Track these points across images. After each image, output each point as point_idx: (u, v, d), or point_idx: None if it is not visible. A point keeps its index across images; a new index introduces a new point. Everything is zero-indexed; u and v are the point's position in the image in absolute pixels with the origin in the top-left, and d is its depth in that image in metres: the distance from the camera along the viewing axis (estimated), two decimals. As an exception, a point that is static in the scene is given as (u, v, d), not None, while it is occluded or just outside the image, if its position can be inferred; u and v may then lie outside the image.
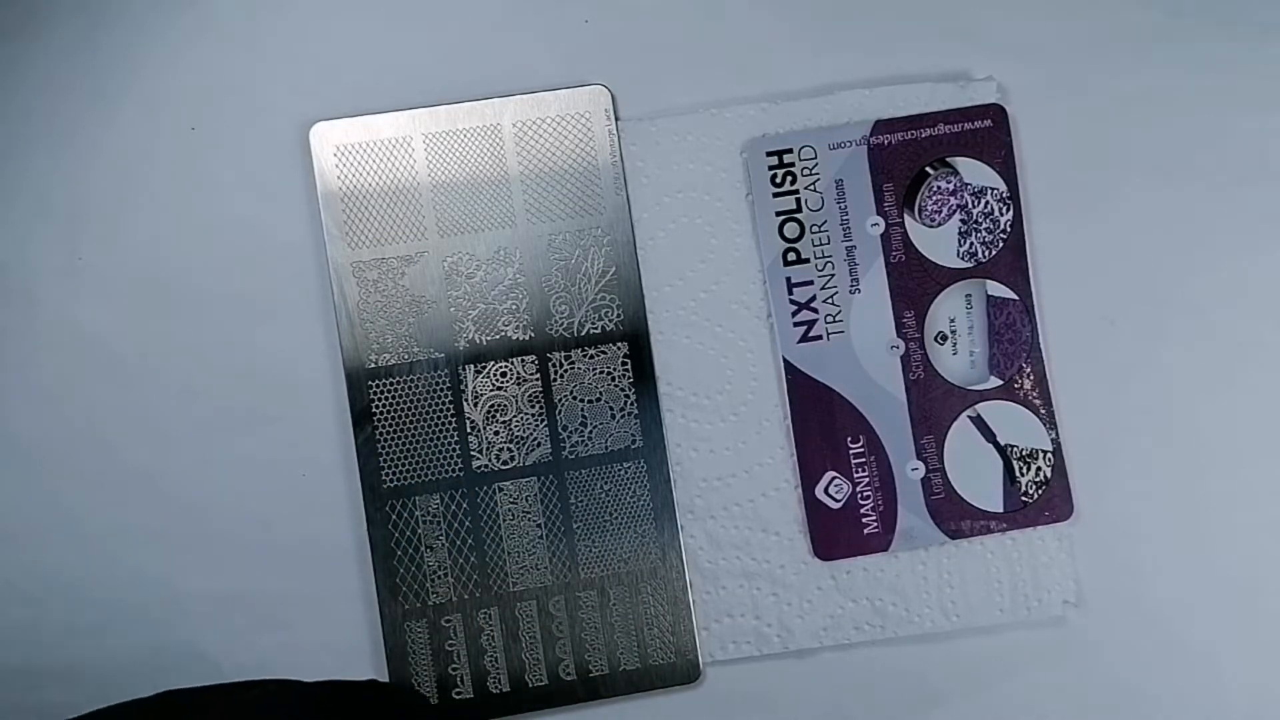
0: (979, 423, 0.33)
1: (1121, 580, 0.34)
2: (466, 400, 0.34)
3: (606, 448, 0.34)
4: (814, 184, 0.33)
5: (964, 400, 0.33)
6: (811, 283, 0.33)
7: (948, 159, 0.33)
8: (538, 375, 0.34)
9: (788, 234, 0.33)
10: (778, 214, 0.33)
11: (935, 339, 0.33)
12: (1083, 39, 0.35)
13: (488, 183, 0.34)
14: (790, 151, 0.33)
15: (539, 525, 0.34)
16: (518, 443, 0.34)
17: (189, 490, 0.34)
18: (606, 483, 0.34)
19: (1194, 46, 0.35)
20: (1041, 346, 0.34)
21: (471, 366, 0.34)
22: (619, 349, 0.34)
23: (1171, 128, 0.35)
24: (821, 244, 0.33)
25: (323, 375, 0.34)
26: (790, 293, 0.33)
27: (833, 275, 0.33)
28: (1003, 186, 0.33)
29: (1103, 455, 0.34)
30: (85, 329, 0.34)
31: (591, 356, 0.34)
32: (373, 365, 0.34)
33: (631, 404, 0.34)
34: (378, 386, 0.34)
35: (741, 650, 0.34)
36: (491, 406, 0.34)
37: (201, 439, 0.34)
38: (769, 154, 0.33)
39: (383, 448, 0.34)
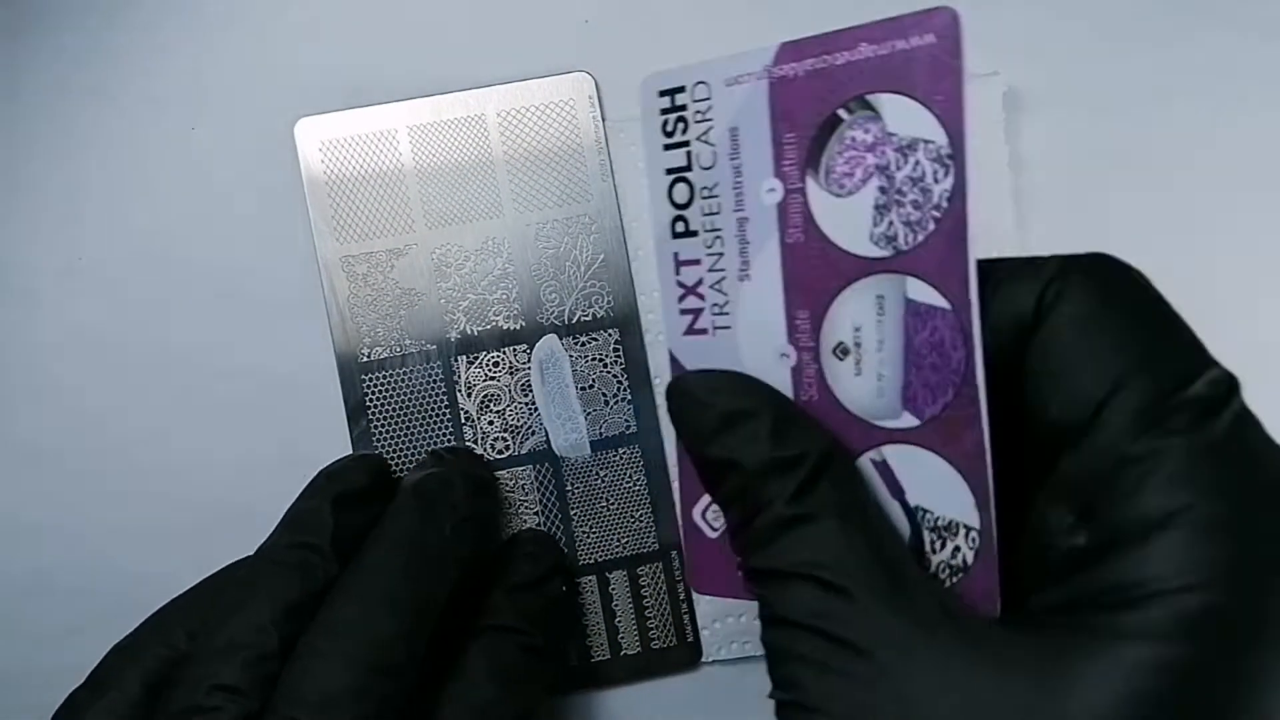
0: (883, 469, 0.23)
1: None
2: (460, 391, 0.34)
3: (601, 434, 0.34)
4: (706, 133, 0.24)
5: (867, 436, 0.23)
6: (699, 262, 0.25)
7: (868, 96, 0.22)
8: (529, 364, 0.34)
9: (677, 198, 0.25)
10: (668, 172, 0.25)
11: (834, 351, 0.23)
12: (1083, 39, 0.34)
13: (474, 173, 0.34)
14: (683, 90, 0.24)
15: (536, 514, 0.34)
16: (512, 432, 0.34)
17: (189, 490, 0.34)
18: (602, 469, 0.34)
19: (1194, 46, 0.34)
20: (979, 385, 0.22)
21: (464, 357, 0.34)
22: (610, 335, 0.34)
23: (1171, 128, 0.34)
24: (711, 213, 0.24)
25: (318, 371, 0.34)
26: (678, 272, 0.25)
27: (721, 255, 0.25)
28: (942, 139, 0.21)
29: None
30: (86, 329, 0.34)
31: (583, 344, 0.34)
32: (365, 359, 0.34)
33: (624, 390, 0.34)
34: (371, 380, 0.34)
35: (743, 650, 0.34)
36: (485, 396, 0.34)
37: (201, 438, 0.34)
38: (661, 94, 0.25)
39: (379, 440, 0.34)
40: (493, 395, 0.34)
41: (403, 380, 0.34)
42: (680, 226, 0.25)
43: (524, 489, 0.34)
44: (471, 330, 0.34)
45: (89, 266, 0.34)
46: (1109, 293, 0.21)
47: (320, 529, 0.27)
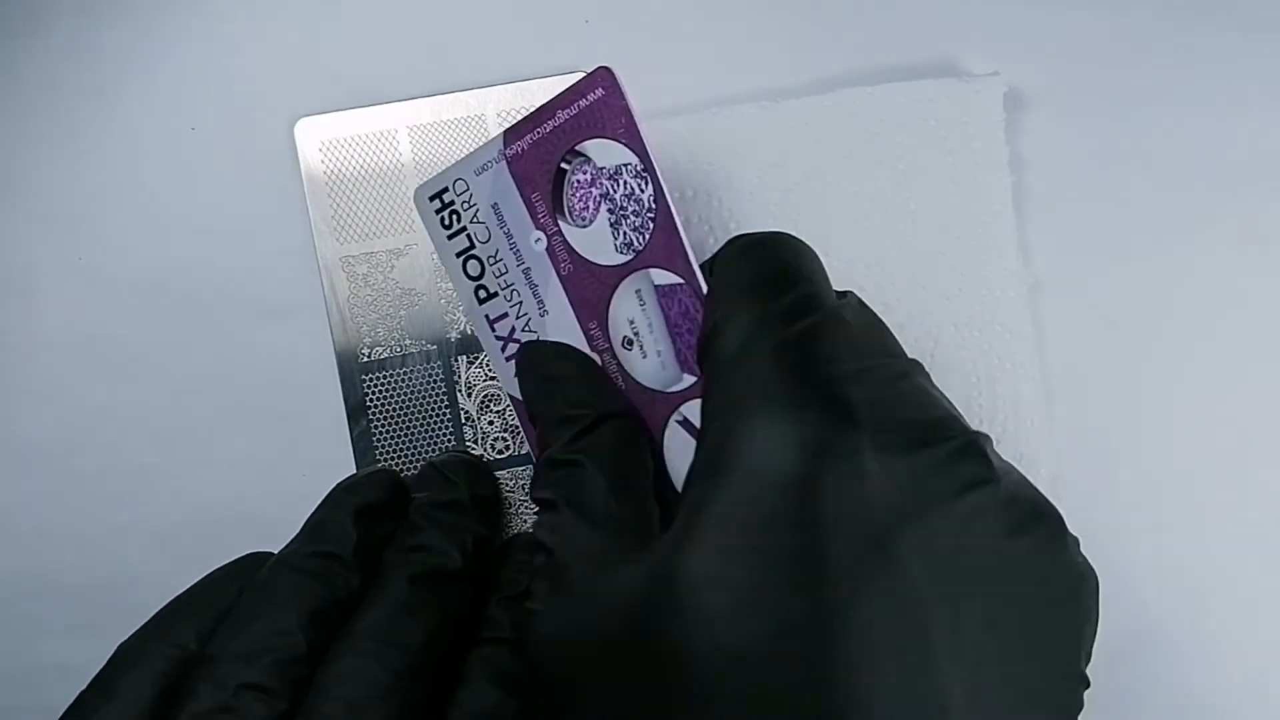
0: (688, 426, 0.29)
1: (1118, 582, 0.34)
2: (460, 391, 0.34)
3: (601, 434, 0.34)
4: (475, 215, 0.30)
5: (668, 405, 0.29)
6: (506, 315, 0.31)
7: (577, 147, 0.29)
8: (530, 364, 0.34)
9: (471, 272, 0.31)
10: (457, 255, 0.31)
11: (623, 345, 0.29)
12: (1084, 39, 0.34)
13: (474, 173, 0.34)
14: (447, 190, 0.31)
15: (537, 513, 0.34)
16: (512, 432, 0.34)
17: (189, 489, 0.34)
18: (602, 469, 0.34)
19: (1194, 46, 0.34)
20: None
21: (464, 357, 0.34)
22: (610, 336, 0.34)
23: (1171, 128, 0.34)
24: (501, 274, 0.30)
25: (318, 371, 0.34)
26: (493, 329, 0.31)
27: (521, 303, 0.30)
28: (634, 160, 0.28)
29: (1103, 457, 0.34)
30: (85, 329, 0.34)
31: (583, 344, 0.34)
32: (365, 359, 0.34)
33: (625, 390, 0.34)
34: (371, 380, 0.34)
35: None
36: (485, 397, 0.34)
37: (201, 438, 0.34)
38: (430, 199, 0.31)
39: (379, 440, 0.34)
40: (493, 395, 0.34)
41: (403, 380, 0.34)
42: (482, 293, 0.31)
43: (524, 488, 0.34)
44: (472, 330, 0.34)
45: (89, 266, 0.35)
46: (742, 254, 0.27)
47: (343, 540, 0.28)
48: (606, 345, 0.30)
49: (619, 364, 0.30)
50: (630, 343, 0.29)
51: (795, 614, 0.22)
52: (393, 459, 0.34)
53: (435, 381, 0.34)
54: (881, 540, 0.22)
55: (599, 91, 0.28)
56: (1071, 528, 0.26)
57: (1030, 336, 0.34)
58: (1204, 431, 0.34)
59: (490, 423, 0.34)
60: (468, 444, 0.34)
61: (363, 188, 0.34)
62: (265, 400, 0.34)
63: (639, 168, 0.28)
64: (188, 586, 0.28)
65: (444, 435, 0.34)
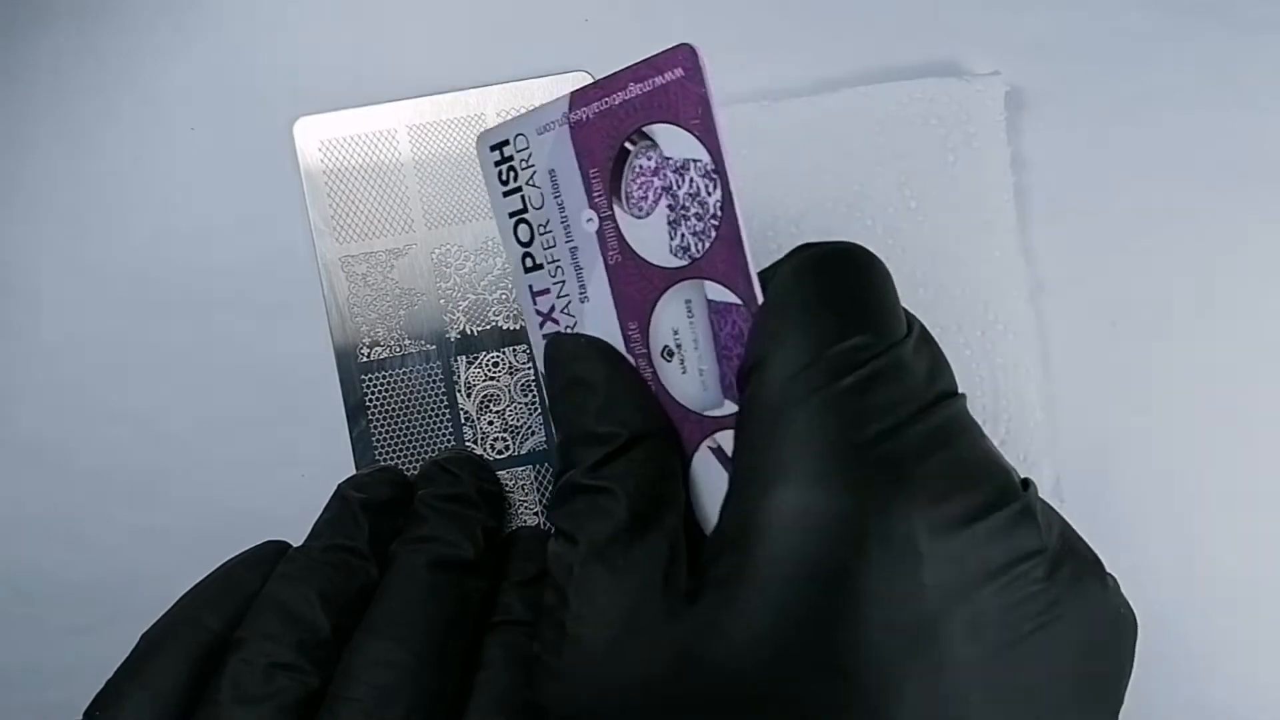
0: (721, 455, 0.25)
1: (1119, 582, 0.34)
2: (460, 391, 0.34)
3: (601, 435, 0.34)
4: (532, 177, 0.27)
5: (702, 428, 0.26)
6: (549, 291, 0.28)
7: (644, 129, 0.25)
8: (529, 364, 0.34)
9: (521, 237, 0.28)
10: (510, 215, 0.28)
11: (662, 355, 0.26)
12: (1084, 39, 0.34)
13: (474, 173, 0.34)
14: (508, 143, 0.27)
15: (536, 514, 0.34)
16: (512, 432, 0.34)
17: (189, 490, 0.34)
18: (602, 469, 0.34)
19: (1194, 46, 0.34)
20: None
21: (464, 357, 0.34)
22: (610, 336, 0.34)
23: (1171, 128, 0.34)
24: (549, 246, 0.27)
25: (318, 371, 0.34)
26: (535, 302, 0.28)
27: (564, 282, 0.27)
28: (705, 158, 0.24)
29: (1104, 458, 0.34)
30: (86, 329, 0.34)
31: (583, 344, 0.34)
32: (365, 359, 0.34)
33: (625, 390, 0.34)
34: (370, 380, 0.34)
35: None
36: (485, 397, 0.34)
37: (201, 438, 0.34)
38: (491, 149, 0.28)
39: (378, 441, 0.34)
40: (492, 395, 0.34)
41: (402, 380, 0.34)
42: (529, 261, 0.28)
43: (524, 489, 0.34)
44: (471, 330, 0.34)
45: (89, 267, 0.34)
46: (804, 271, 0.23)
47: (356, 533, 0.28)
48: (644, 350, 0.26)
49: (654, 373, 0.26)
50: (671, 354, 0.26)
51: (833, 705, 0.21)
52: (393, 459, 0.34)
53: (435, 381, 0.34)
54: (929, 625, 0.21)
55: (677, 71, 0.24)
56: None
57: (1032, 336, 0.34)
58: (1205, 431, 0.34)
59: (490, 423, 0.34)
60: (467, 444, 0.34)
61: (362, 187, 0.34)
62: (265, 400, 0.34)
63: (709, 167, 0.24)
64: (207, 574, 0.28)
65: (444, 435, 0.34)
